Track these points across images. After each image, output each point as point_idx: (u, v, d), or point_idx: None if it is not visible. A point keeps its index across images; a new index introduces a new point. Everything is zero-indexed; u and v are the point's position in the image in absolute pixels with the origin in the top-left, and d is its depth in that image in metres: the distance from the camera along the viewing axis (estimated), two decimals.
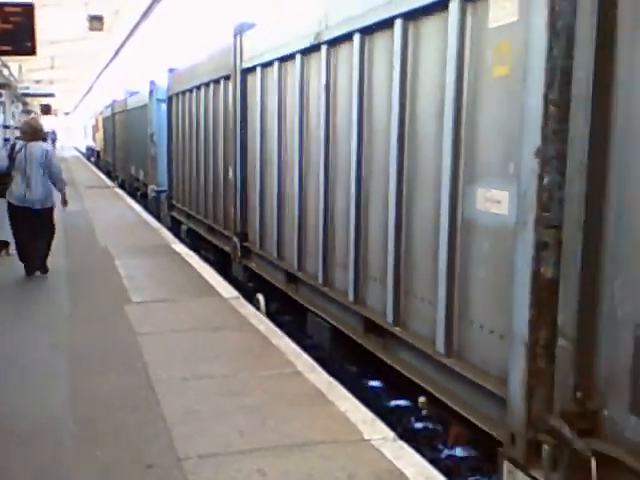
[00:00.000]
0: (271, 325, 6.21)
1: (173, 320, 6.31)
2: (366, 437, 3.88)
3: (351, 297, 5.32)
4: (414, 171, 4.46)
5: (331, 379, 4.80)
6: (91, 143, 44.89)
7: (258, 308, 7.18)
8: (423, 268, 4.37)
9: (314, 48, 5.92)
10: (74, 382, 4.78)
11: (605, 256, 2.83)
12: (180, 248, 10.28)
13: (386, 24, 4.65)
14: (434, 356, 4.14)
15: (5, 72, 22.66)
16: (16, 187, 7.92)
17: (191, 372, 4.92)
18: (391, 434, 3.93)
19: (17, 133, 18.49)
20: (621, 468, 2.71)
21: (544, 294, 3.07)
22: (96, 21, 16.15)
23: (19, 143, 8.24)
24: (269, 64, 7.14)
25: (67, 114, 64.58)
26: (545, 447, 3.02)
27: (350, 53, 5.25)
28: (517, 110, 3.25)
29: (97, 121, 36.04)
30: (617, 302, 2.77)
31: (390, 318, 4.69)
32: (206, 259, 9.95)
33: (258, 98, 7.53)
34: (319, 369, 5.01)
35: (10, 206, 8.00)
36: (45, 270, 8.22)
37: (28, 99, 36.82)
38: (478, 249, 3.77)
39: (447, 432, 4.51)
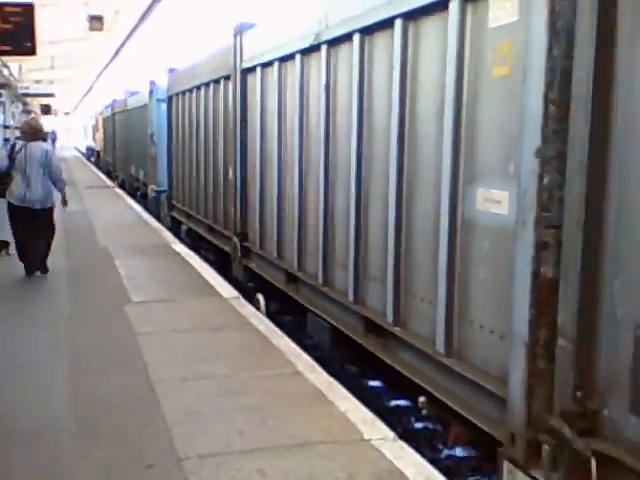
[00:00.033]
0: (271, 325, 6.20)
1: (173, 320, 6.31)
2: (366, 437, 3.88)
3: (351, 297, 5.32)
4: (414, 171, 4.46)
5: (331, 379, 4.80)
6: (91, 143, 44.88)
7: (258, 308, 7.18)
8: (423, 268, 4.37)
9: (314, 48, 5.92)
10: (74, 382, 4.78)
11: (605, 256, 2.83)
12: (180, 248, 10.28)
13: (386, 24, 4.65)
14: (434, 356, 4.14)
15: (5, 72, 22.66)
16: (16, 187, 7.92)
17: (191, 372, 4.92)
18: (391, 434, 3.93)
19: (17, 133, 18.48)
20: (621, 468, 2.71)
21: (544, 294, 3.06)
22: (96, 21, 16.17)
23: (19, 143, 8.24)
24: (269, 64, 7.14)
25: (67, 114, 64.57)
26: (545, 447, 3.01)
27: (350, 53, 5.25)
28: (517, 110, 3.25)
29: (97, 121, 36.04)
30: (617, 302, 2.77)
31: (390, 318, 4.69)
32: (206, 259, 9.95)
33: (258, 98, 7.53)
34: (319, 369, 5.01)
35: (10, 206, 8.01)
36: (45, 270, 8.22)
37: (28, 99, 36.80)
38: (478, 249, 3.77)
39: (447, 432, 4.50)
